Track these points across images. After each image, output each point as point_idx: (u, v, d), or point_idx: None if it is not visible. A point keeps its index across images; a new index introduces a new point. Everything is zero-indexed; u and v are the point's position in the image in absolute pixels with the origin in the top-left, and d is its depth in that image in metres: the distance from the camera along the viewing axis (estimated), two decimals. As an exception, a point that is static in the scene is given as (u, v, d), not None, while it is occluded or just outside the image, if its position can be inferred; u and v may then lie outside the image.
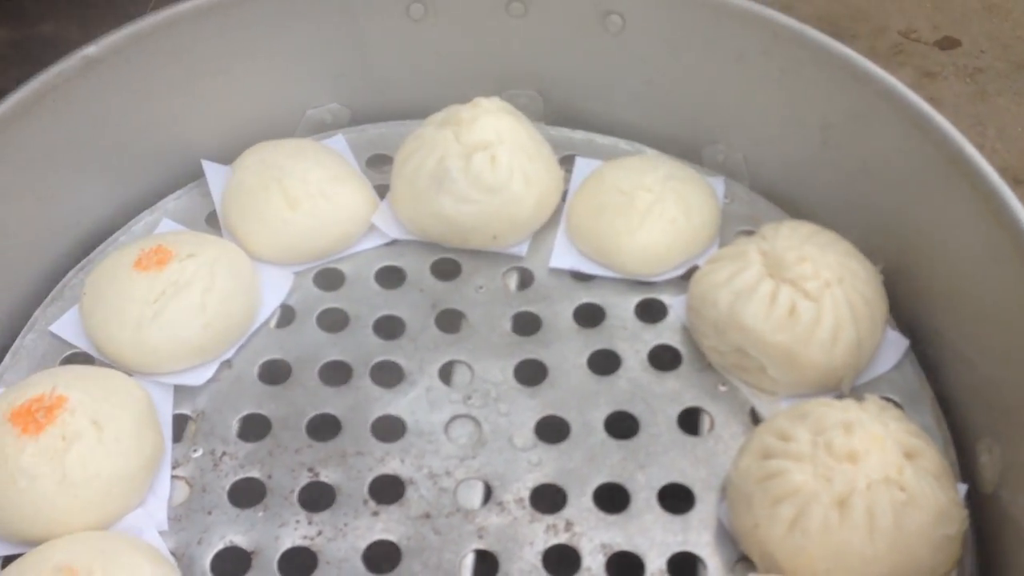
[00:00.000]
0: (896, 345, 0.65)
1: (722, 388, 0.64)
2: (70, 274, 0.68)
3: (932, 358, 0.64)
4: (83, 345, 0.64)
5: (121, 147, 0.70)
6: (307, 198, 0.68)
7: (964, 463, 0.60)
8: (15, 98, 0.62)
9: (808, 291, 0.61)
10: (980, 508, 0.57)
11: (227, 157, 0.73)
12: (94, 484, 0.54)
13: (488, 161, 0.67)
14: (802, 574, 0.52)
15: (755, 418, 0.62)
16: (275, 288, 0.68)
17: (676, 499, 0.59)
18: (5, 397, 0.56)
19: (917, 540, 0.52)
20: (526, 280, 0.70)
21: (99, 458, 0.54)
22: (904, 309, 0.66)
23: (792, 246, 0.62)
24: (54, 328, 0.65)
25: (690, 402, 0.63)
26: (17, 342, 0.65)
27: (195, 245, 0.65)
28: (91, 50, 0.64)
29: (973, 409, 0.61)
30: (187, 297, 0.62)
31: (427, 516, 0.58)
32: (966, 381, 0.62)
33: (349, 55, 0.75)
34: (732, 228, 0.71)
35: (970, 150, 0.59)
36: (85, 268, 0.68)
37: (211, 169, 0.73)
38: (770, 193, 0.74)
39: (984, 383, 0.60)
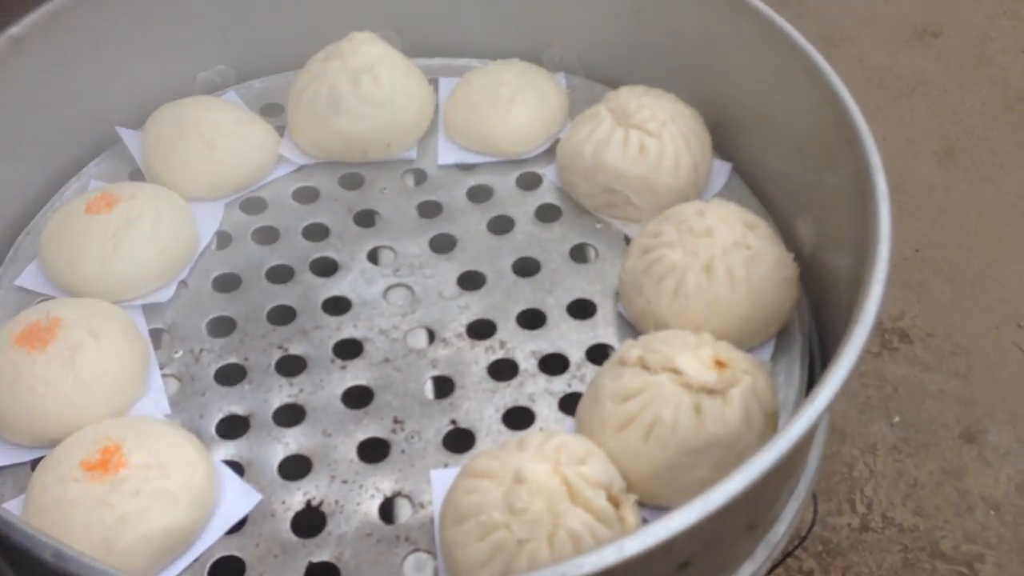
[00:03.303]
0: (723, 169, 0.82)
1: (598, 225, 0.79)
2: (19, 239, 0.76)
3: (750, 173, 0.81)
4: (50, 291, 0.71)
5: (45, 121, 0.77)
6: (222, 138, 0.78)
7: (788, 240, 0.76)
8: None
9: (651, 130, 0.76)
10: (807, 268, 0.74)
11: (136, 122, 0.82)
12: (103, 380, 0.63)
13: (373, 81, 0.80)
14: (687, 327, 0.67)
15: (628, 242, 0.77)
16: (208, 219, 0.77)
17: (582, 310, 0.73)
18: (3, 331, 0.64)
19: (765, 283, 0.68)
20: (420, 178, 0.83)
21: (103, 359, 0.63)
22: (724, 142, 0.82)
23: (632, 99, 0.78)
24: (19, 282, 0.72)
25: (576, 240, 0.78)
26: (-12, 299, 0.72)
27: (133, 189, 0.74)
28: (15, 30, 0.72)
29: (786, 198, 0.78)
30: (140, 229, 0.71)
31: (387, 361, 0.70)
32: (778, 182, 0.79)
33: (230, 19, 0.86)
34: (578, 111, 0.86)
35: (762, 7, 0.76)
36: (31, 232, 0.76)
37: (126, 134, 0.81)
38: (603, 78, 0.89)
39: (791, 180, 0.78)
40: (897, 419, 1.41)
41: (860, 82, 1.88)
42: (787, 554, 1.05)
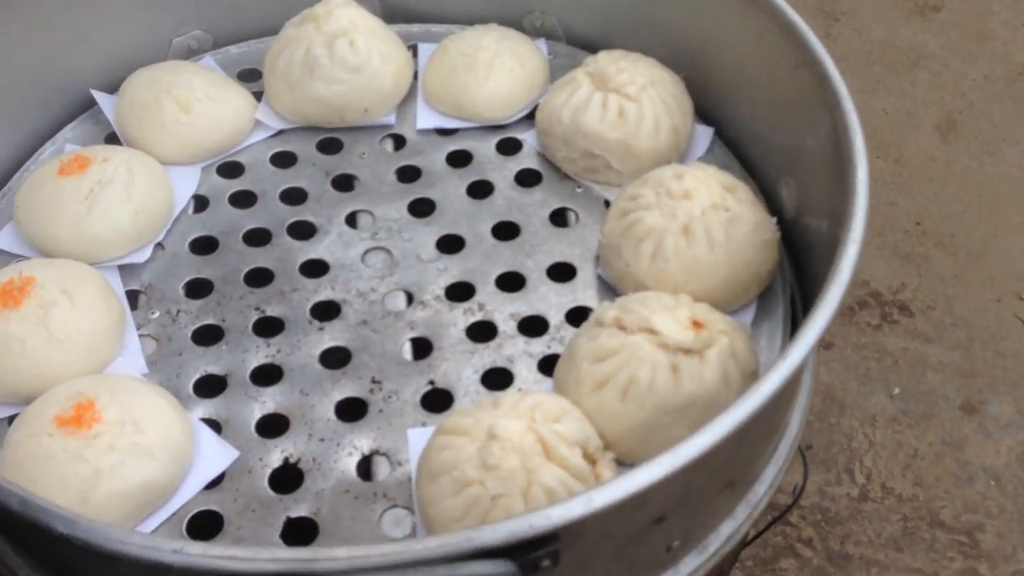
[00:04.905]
0: (705, 134, 0.81)
1: (578, 190, 0.78)
2: (-6, 202, 0.76)
3: (733, 138, 0.81)
4: (26, 252, 0.71)
5: (20, 84, 0.77)
6: (196, 102, 0.77)
7: (772, 204, 0.76)
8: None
9: (629, 94, 0.75)
10: (790, 232, 0.73)
11: (112, 86, 0.81)
12: (77, 339, 0.62)
13: (348, 45, 0.79)
14: (666, 290, 0.67)
15: (608, 206, 0.77)
16: (185, 183, 0.77)
17: (561, 274, 0.73)
18: (-26, 290, 0.64)
19: (744, 246, 0.67)
20: (399, 143, 0.82)
21: (76, 318, 0.63)
22: (707, 107, 0.82)
23: (611, 63, 0.77)
24: (-6, 244, 0.72)
25: (556, 204, 0.77)
26: (-36, 260, 0.72)
27: (107, 152, 0.73)
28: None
29: (769, 162, 0.77)
30: (113, 191, 0.70)
31: (364, 323, 0.69)
32: (760, 146, 0.79)
33: (205, -17, 0.85)
34: (558, 77, 0.86)
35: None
36: (6, 195, 0.76)
37: (101, 97, 0.81)
38: (585, 44, 0.88)
39: (772, 144, 0.77)
40: (897, 391, 1.41)
41: (860, 56, 1.87)
42: (776, 519, 1.05)
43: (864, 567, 1.24)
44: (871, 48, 1.84)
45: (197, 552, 0.44)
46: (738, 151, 0.80)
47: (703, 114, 0.81)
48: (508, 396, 0.60)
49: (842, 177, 0.61)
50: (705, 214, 0.67)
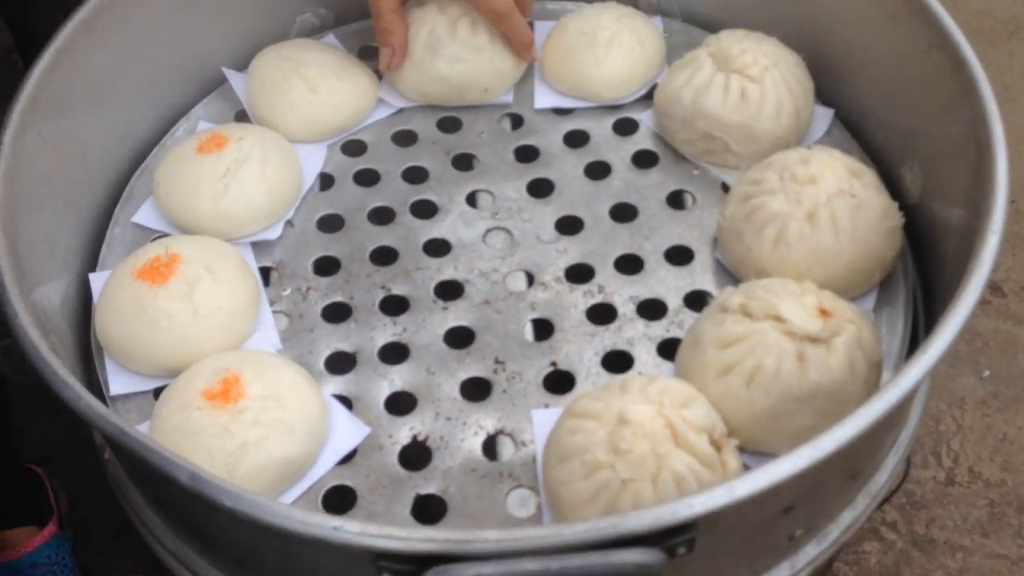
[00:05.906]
0: (824, 116, 0.80)
1: (695, 172, 0.78)
2: (133, 178, 0.78)
3: (853, 120, 0.80)
4: (164, 228, 0.74)
5: (155, 63, 0.79)
6: (323, 80, 0.79)
7: (892, 188, 0.75)
8: (77, 18, 0.71)
9: (752, 75, 0.75)
10: (910, 217, 0.73)
11: (240, 63, 0.84)
12: (219, 315, 0.65)
13: (470, 26, 0.80)
14: (789, 276, 0.67)
15: (726, 189, 0.77)
16: (312, 161, 0.79)
17: (679, 257, 0.73)
18: (124, 265, 0.67)
19: (869, 233, 0.67)
20: (517, 122, 0.83)
21: (219, 294, 0.65)
22: (826, 88, 0.81)
23: (734, 43, 0.76)
24: (136, 219, 0.75)
25: (673, 187, 0.78)
26: (108, 235, 0.75)
27: (241, 130, 0.75)
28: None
29: (892, 146, 0.76)
30: (249, 169, 0.72)
31: (487, 303, 0.71)
32: (883, 129, 0.78)
33: (327, -38, 0.87)
34: (676, 56, 0.85)
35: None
36: (144, 172, 0.79)
37: (231, 75, 0.83)
38: (701, 22, 0.88)
39: (897, 127, 0.76)
40: (987, 373, 1.38)
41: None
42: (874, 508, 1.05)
43: (949, 552, 1.23)
44: (967, 18, 1.77)
45: (355, 530, 0.47)
46: (858, 133, 0.79)
47: (823, 95, 0.80)
48: (635, 380, 0.61)
49: (979, 166, 0.60)
50: (831, 200, 0.67)
